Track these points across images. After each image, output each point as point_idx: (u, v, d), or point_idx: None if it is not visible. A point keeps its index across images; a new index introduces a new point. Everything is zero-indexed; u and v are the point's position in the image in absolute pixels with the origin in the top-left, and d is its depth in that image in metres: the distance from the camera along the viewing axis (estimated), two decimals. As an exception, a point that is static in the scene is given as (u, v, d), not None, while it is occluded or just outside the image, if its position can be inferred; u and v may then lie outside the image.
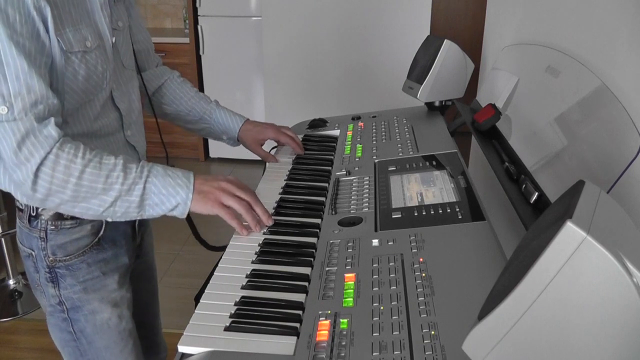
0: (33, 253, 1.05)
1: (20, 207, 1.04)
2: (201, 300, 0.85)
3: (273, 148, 1.43)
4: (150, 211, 0.96)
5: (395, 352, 0.68)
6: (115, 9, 1.07)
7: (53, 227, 1.02)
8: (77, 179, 0.90)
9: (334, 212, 1.08)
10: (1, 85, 0.85)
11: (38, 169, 0.88)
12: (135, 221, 1.16)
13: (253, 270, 0.91)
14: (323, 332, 0.74)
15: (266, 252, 0.97)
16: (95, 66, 0.98)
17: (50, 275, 1.05)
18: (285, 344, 0.74)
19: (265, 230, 1.03)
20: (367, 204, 1.08)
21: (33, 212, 1.02)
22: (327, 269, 0.89)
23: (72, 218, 1.02)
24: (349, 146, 1.41)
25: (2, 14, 0.83)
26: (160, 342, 1.42)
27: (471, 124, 1.42)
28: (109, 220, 0.97)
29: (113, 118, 1.06)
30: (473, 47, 1.95)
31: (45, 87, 0.88)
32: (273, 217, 1.07)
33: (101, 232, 1.07)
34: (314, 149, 1.42)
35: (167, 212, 0.97)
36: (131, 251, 1.16)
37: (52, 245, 1.03)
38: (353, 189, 1.17)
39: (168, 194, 0.95)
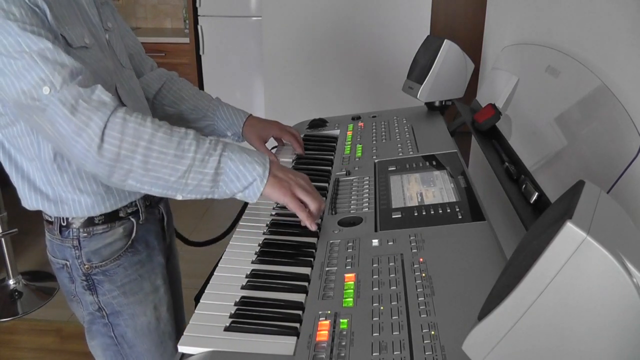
0: (67, 263, 1.04)
1: (50, 219, 1.02)
2: (201, 300, 0.85)
3: (273, 148, 1.43)
4: (223, 188, 0.89)
5: (395, 352, 0.68)
6: (102, 10, 1.07)
7: (85, 234, 1.01)
8: (147, 142, 0.84)
9: (334, 212, 1.08)
10: (35, 71, 0.82)
11: (103, 133, 0.83)
12: (164, 220, 1.16)
13: (253, 270, 0.91)
14: (323, 332, 0.74)
15: (266, 252, 0.97)
16: (97, 62, 0.97)
17: (87, 283, 1.04)
18: (285, 344, 0.74)
19: (265, 230, 1.03)
20: (367, 204, 1.08)
21: (64, 222, 1.01)
22: (327, 269, 0.89)
23: (104, 222, 1.01)
24: (349, 146, 1.41)
25: (8, 13, 0.83)
26: None
27: (471, 124, 1.42)
28: (179, 198, 0.90)
29: None
30: (473, 47, 1.95)
31: (76, 61, 0.85)
32: (273, 217, 1.07)
33: (133, 234, 1.06)
34: (314, 149, 1.42)
35: (240, 191, 0.90)
36: (163, 251, 1.15)
37: (86, 252, 1.02)
38: (353, 189, 1.16)
39: (245, 170, 0.89)
